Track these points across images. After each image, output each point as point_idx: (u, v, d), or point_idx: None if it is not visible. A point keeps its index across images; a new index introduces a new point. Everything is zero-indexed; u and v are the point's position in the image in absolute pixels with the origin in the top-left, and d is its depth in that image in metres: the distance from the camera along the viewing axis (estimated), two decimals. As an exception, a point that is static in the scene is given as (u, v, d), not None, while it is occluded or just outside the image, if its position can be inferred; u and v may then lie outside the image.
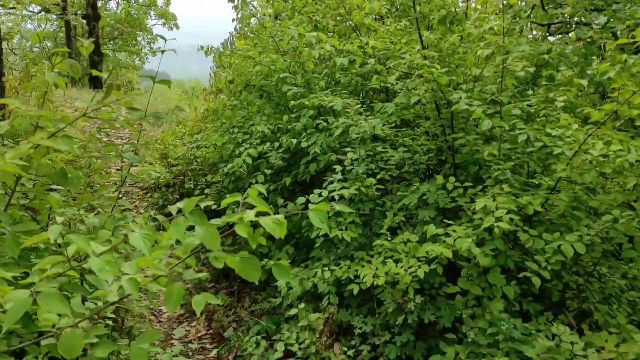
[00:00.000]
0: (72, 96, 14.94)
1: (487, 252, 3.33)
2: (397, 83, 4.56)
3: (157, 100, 16.49)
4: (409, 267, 3.59)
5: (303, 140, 4.81)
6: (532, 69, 4.07)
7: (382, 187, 4.31)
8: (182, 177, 7.96)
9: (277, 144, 5.25)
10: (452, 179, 3.92)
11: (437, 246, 3.43)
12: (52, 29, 22.82)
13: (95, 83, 19.94)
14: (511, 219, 3.32)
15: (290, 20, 5.58)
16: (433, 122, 4.51)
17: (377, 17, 5.89)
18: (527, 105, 4.08)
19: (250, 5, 5.54)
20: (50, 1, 19.35)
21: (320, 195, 4.27)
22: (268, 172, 5.17)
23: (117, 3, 26.53)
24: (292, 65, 5.83)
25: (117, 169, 9.99)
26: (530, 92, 4.62)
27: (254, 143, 5.45)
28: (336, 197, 4.05)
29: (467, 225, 3.59)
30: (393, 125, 4.68)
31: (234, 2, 6.15)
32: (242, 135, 5.82)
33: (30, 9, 22.42)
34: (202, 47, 7.18)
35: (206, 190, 6.84)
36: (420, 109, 4.70)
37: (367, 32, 5.36)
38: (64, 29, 21.44)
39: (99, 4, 23.87)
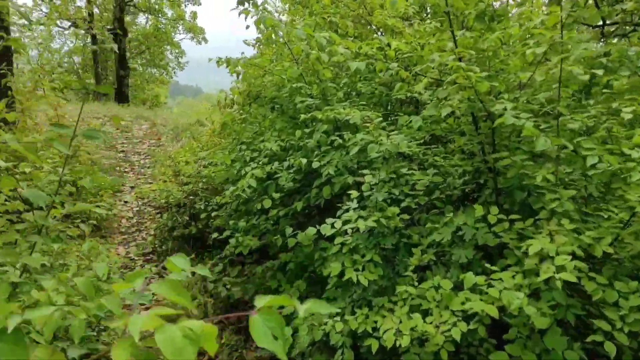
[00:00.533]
0: (94, 110, 14.69)
1: (545, 309, 2.54)
2: (425, 92, 3.83)
3: (185, 114, 16.11)
4: (441, 323, 2.83)
5: (315, 159, 4.11)
6: (586, 76, 3.29)
7: (407, 217, 3.56)
8: (192, 197, 7.38)
9: (287, 163, 4.57)
10: (494, 209, 3.15)
11: (478, 300, 2.67)
12: (81, 44, 22.94)
13: (120, 97, 19.78)
14: (576, 267, 2.54)
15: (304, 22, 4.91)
16: (469, 139, 3.74)
17: (404, 18, 5.18)
18: (586, 117, 3.29)
19: (263, 11, 4.90)
20: (79, 16, 19.36)
21: (333, 226, 3.56)
22: (277, 195, 4.49)
23: (147, 18, 26.60)
24: (307, 74, 5.17)
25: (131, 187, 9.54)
26: (586, 102, 3.82)
27: (262, 162, 4.79)
28: (349, 231, 3.33)
29: (516, 271, 2.81)
30: (421, 142, 3.95)
31: (243, 5, 5.52)
32: (251, 152, 5.17)
33: (60, 23, 22.61)
34: (210, 59, 6.62)
35: (216, 213, 6.21)
36: (454, 122, 3.95)
37: (392, 34, 4.65)
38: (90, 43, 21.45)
39: (128, 18, 23.91)
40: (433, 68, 3.24)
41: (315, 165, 4.03)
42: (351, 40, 5.20)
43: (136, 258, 7.29)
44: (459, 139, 3.85)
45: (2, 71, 8.44)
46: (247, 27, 6.56)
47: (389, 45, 3.85)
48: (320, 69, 4.59)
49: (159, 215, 8.44)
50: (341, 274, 3.47)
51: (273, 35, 4.59)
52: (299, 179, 4.59)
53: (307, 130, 4.71)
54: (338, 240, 3.45)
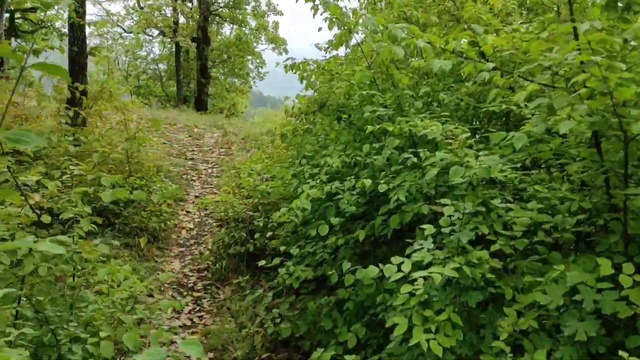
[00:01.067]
0: (170, 116, 14.77)
1: None
2: (524, 103, 2.98)
3: (259, 123, 15.88)
4: None
5: (382, 182, 3.36)
6: None
7: (499, 265, 2.71)
8: (252, 213, 6.84)
9: (350, 183, 3.85)
10: (628, 267, 2.24)
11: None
12: (165, 52, 23.61)
13: (200, 105, 19.99)
14: None
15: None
16: (587, 165, 2.84)
17: (500, 16, 4.31)
18: None
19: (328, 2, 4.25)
20: (165, 24, 19.83)
21: (399, 269, 2.78)
22: (336, 220, 3.77)
23: (231, 28, 27.05)
24: (381, 80, 4.45)
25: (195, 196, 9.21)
26: None
27: (321, 179, 4.10)
28: (420, 280, 2.54)
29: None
30: (519, 166, 3.09)
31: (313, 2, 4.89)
32: (311, 168, 4.50)
33: (149, 32, 23.40)
34: (278, 63, 6.11)
35: (271, 233, 5.61)
36: (565, 143, 3.05)
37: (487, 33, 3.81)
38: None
39: (214, 27, 24.36)
40: (546, 69, 2.40)
41: (382, 188, 3.28)
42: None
43: (190, 274, 6.84)
44: (571, 165, 2.95)
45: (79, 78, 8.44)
46: (320, 29, 5.98)
47: (483, 37, 3.01)
48: (395, 73, 3.85)
49: (219, 228, 8.00)
50: (408, 329, 2.69)
51: (340, 29, 3.90)
52: (363, 203, 3.85)
53: (376, 146, 3.98)
54: (405, 288, 2.66)
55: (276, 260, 4.33)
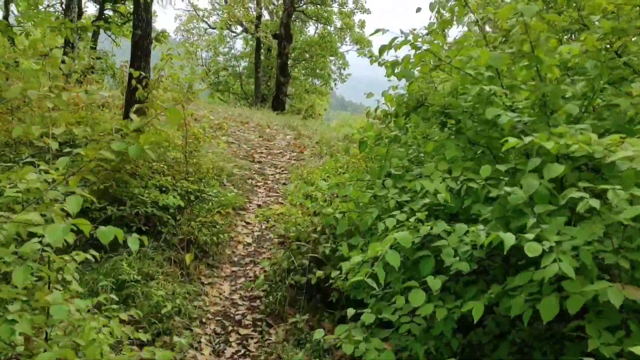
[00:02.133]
0: (244, 114, 13.91)
1: None
2: None
3: (335, 127, 14.69)
4: None
5: (529, 236, 1.95)
6: None
7: None
8: (317, 236, 5.57)
9: (460, 227, 2.46)
10: None
11: None
12: (247, 50, 23.04)
13: (277, 104, 19.14)
14: None
15: None
16: None
17: None
18: None
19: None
20: (247, 19, 19.18)
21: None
22: (435, 283, 2.40)
23: (316, 27, 26.14)
24: (508, 72, 3.03)
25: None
26: None
27: (417, 210, 2.74)
28: None
29: None
30: None
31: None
32: (399, 192, 3.15)
33: (234, 29, 22.97)
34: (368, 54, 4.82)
35: (337, 273, 4.30)
36: None
37: None
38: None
39: (297, 25, 23.53)
40: None
41: (531, 250, 1.87)
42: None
43: (240, 303, 5.69)
44: None
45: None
46: (419, 9, 4.65)
47: None
48: (544, 58, 2.41)
49: (280, 246, 6.83)
50: None
51: None
52: (480, 259, 2.46)
53: (503, 167, 2.57)
54: None
55: (349, 311, 2.99)
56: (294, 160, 10.16)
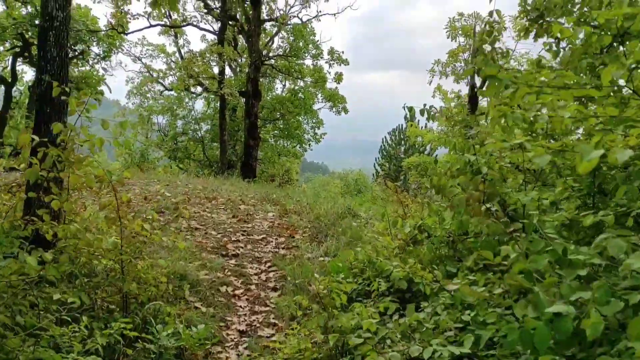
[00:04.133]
0: (209, 187, 11.10)
1: None
2: None
3: (336, 198, 11.99)
4: None
5: None
6: None
7: None
8: None
9: None
10: None
11: None
12: (209, 111, 20.48)
13: (247, 171, 16.45)
14: None
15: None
16: None
17: None
18: None
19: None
20: (208, 74, 16.73)
21: None
22: None
23: (284, 83, 23.96)
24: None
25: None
26: None
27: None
28: None
29: None
30: None
31: None
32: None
33: (193, 90, 20.47)
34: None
35: None
36: None
37: None
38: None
39: (266, 81, 21.25)
40: None
41: None
42: None
43: None
44: None
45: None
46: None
47: None
48: None
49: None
50: None
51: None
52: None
53: None
54: None
55: None
56: (283, 248, 7.38)
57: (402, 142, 42.41)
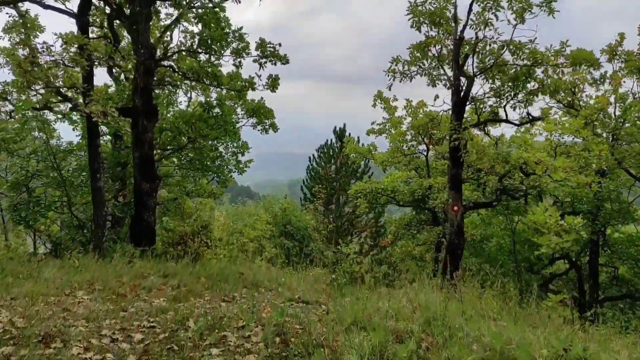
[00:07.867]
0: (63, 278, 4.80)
1: None
2: None
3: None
4: None
5: None
6: None
7: None
8: None
9: None
10: None
11: None
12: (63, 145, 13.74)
13: (140, 234, 10.11)
14: None
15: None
16: None
17: None
18: None
19: None
20: (68, 83, 10.24)
21: None
22: None
23: (189, 96, 17.66)
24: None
25: None
26: None
27: None
28: None
29: None
30: None
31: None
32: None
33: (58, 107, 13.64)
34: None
35: None
36: None
37: None
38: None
39: (164, 91, 14.96)
40: None
41: None
42: None
43: None
44: None
45: None
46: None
47: None
48: None
49: None
50: None
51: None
52: None
53: None
54: None
55: None
56: None
57: (332, 160, 37.27)
